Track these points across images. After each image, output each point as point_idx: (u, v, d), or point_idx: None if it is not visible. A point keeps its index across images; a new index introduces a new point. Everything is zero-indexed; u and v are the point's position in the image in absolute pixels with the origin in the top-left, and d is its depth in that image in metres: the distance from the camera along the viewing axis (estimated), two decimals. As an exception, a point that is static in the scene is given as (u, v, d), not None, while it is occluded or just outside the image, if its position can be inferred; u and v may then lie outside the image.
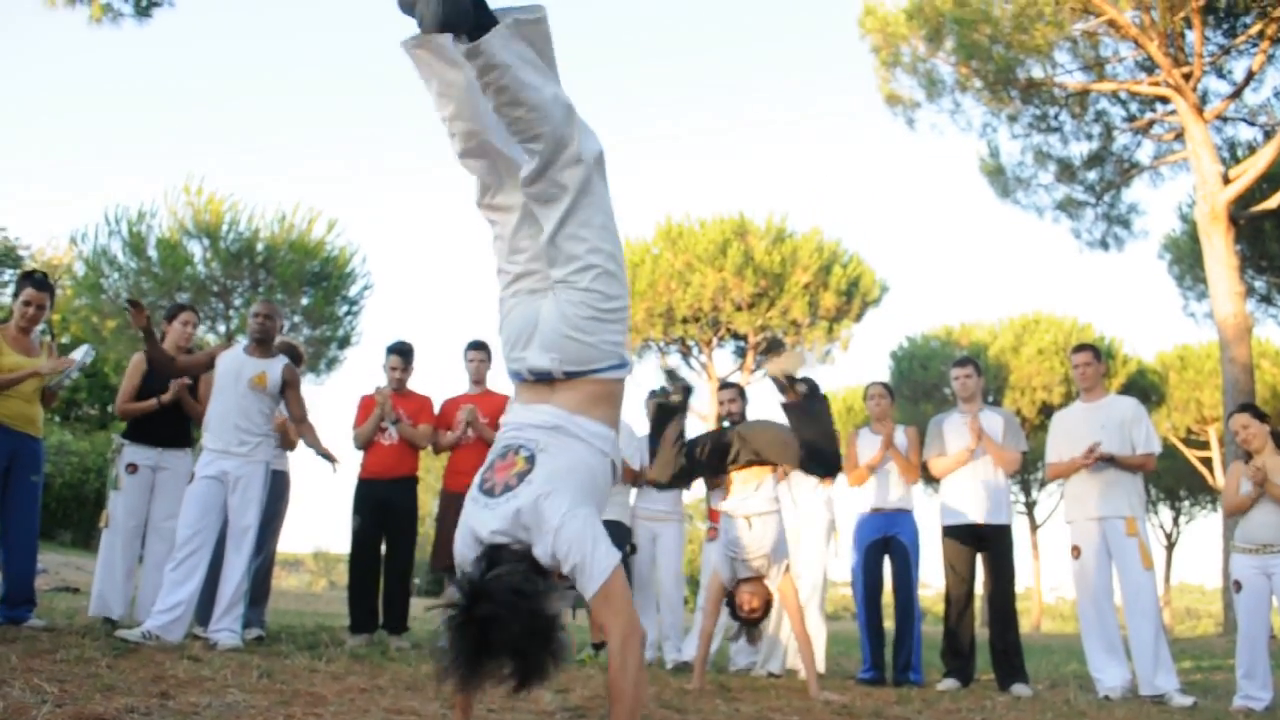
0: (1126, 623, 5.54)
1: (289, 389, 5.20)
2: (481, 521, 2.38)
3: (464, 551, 2.41)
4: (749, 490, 4.92)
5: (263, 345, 5.21)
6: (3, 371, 5.05)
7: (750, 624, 4.83)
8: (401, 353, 6.34)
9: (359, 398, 6.37)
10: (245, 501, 5.01)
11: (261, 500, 5.08)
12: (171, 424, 5.62)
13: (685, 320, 22.10)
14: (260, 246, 18.91)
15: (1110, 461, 5.51)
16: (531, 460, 2.39)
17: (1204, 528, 55.13)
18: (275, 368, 5.17)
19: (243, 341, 5.32)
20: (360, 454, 6.29)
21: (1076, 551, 5.66)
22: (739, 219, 22.35)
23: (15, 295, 5.29)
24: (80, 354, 5.26)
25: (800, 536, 6.03)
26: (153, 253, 18.57)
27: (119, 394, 5.66)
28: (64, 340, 21.20)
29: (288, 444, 5.95)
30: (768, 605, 4.79)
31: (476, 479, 2.49)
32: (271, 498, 5.40)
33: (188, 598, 4.79)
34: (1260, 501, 5.20)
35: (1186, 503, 31.50)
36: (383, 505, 6.15)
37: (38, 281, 5.29)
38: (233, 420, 5.03)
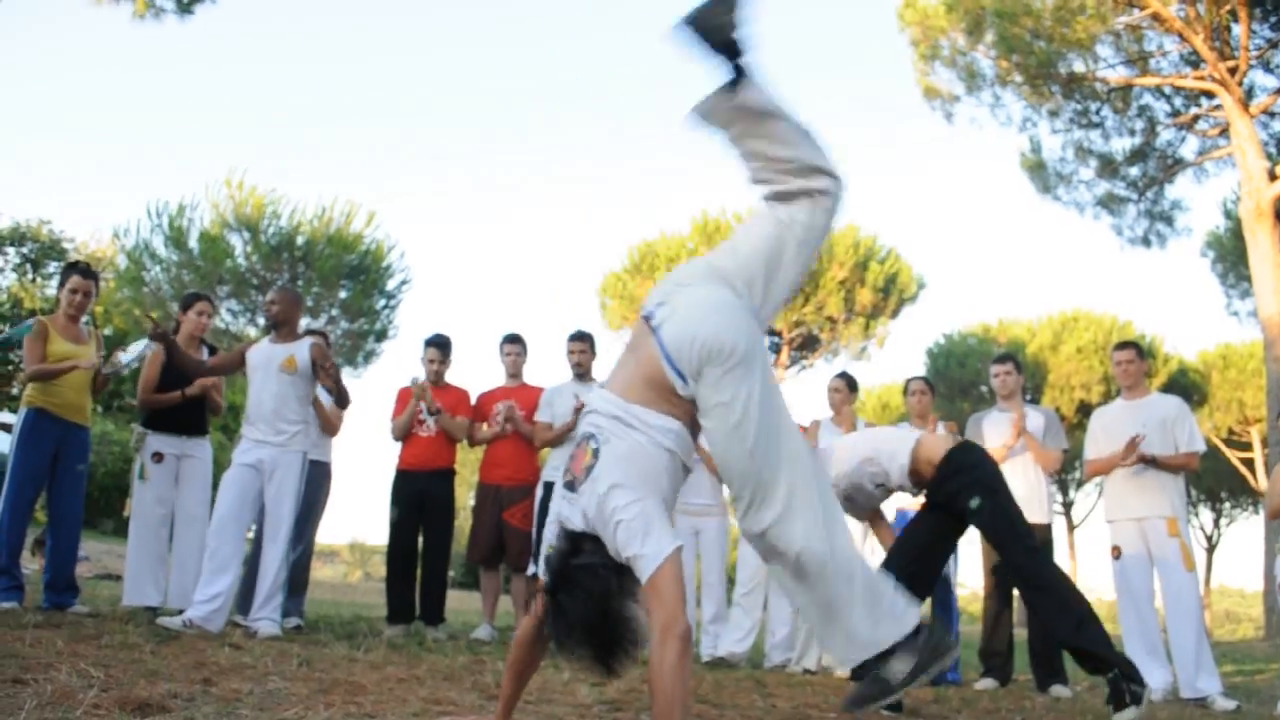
0: (1167, 625, 5.44)
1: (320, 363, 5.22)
2: (567, 516, 2.42)
3: (553, 540, 2.44)
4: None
5: (282, 330, 5.25)
6: (53, 359, 5.16)
7: None
8: (439, 345, 6.39)
9: (397, 390, 6.43)
10: (281, 491, 5.05)
11: (298, 489, 5.11)
12: (192, 411, 5.66)
13: (720, 315, 22.01)
14: (300, 240, 19.15)
15: (1152, 463, 5.40)
16: (597, 454, 2.38)
17: (1245, 530, 54.34)
18: (302, 349, 5.21)
19: (272, 335, 5.37)
20: (398, 446, 6.34)
21: (1117, 552, 5.57)
22: (775, 214, 22.20)
23: (61, 285, 5.40)
24: (138, 348, 5.34)
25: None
26: (194, 245, 18.86)
27: (140, 385, 5.69)
28: (106, 332, 21.55)
29: (329, 427, 6.08)
30: None
31: (562, 469, 2.51)
32: (311, 487, 5.45)
33: (226, 588, 4.85)
34: None
35: (1227, 504, 31.00)
36: (420, 497, 6.20)
37: (83, 270, 5.41)
38: (269, 409, 5.08)
